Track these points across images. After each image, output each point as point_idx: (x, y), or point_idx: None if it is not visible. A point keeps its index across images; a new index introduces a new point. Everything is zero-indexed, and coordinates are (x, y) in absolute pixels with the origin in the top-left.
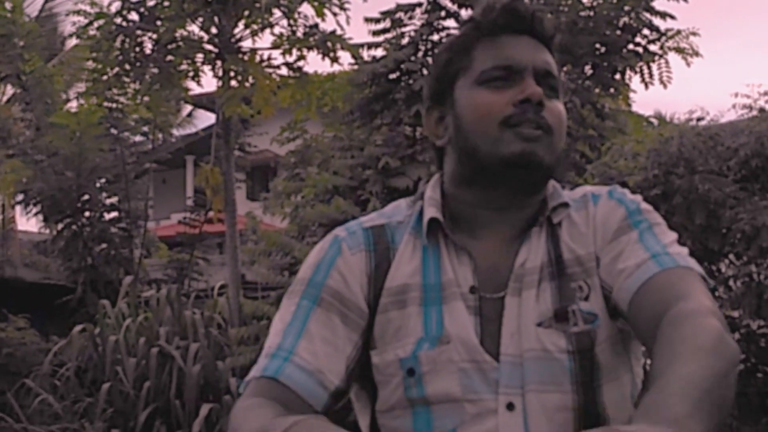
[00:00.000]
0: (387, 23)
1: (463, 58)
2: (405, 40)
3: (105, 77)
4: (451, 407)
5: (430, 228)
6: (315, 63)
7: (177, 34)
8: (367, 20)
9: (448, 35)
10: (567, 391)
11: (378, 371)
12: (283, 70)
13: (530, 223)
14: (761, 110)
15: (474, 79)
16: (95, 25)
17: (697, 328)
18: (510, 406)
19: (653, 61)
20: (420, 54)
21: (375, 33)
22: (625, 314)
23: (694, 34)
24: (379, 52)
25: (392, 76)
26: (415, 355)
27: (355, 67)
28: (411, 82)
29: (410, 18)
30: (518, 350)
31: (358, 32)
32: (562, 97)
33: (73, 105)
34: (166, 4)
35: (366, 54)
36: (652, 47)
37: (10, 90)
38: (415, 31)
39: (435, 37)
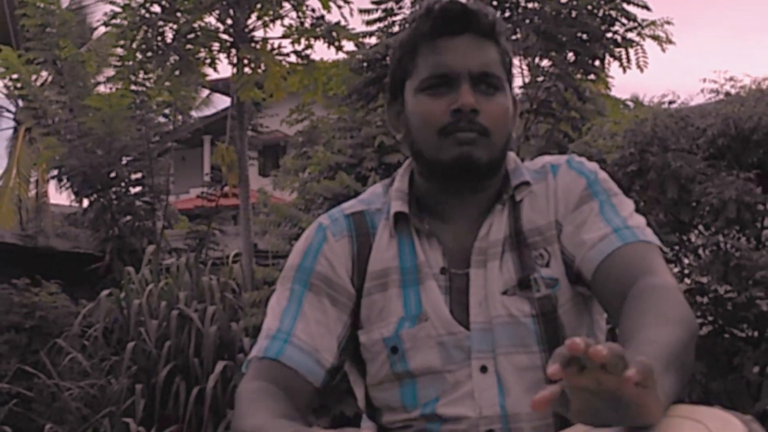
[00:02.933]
0: (379, 13)
1: (409, 61)
2: (395, 29)
3: (130, 63)
4: (433, 378)
5: (398, 219)
6: (321, 51)
7: (195, 25)
8: (362, 11)
9: None
10: (535, 352)
11: (365, 349)
12: (292, 58)
13: (494, 201)
14: (727, 94)
15: (416, 85)
16: (121, 15)
17: (663, 300)
18: (483, 369)
19: (631, 47)
20: None
21: (368, 22)
22: (589, 284)
23: (668, 23)
24: (374, 40)
25: (386, 60)
26: (398, 334)
27: (353, 52)
28: None
29: (400, 7)
30: (487, 317)
31: (353, 22)
32: (508, 88)
33: (101, 89)
34: None
35: (362, 41)
36: (630, 35)
37: (43, 74)
38: (404, 18)
39: None
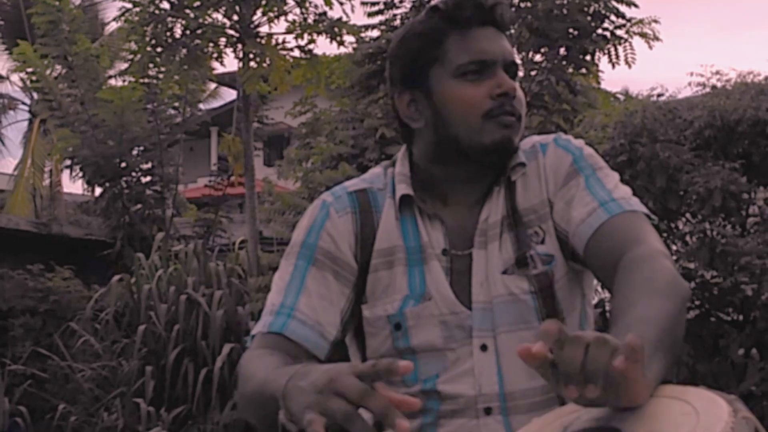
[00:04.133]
0: (381, 6)
1: (435, 48)
2: (397, 22)
3: (140, 57)
4: (434, 356)
5: (403, 201)
6: (324, 46)
7: (203, 21)
8: (363, 3)
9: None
10: (535, 328)
11: (368, 323)
12: (296, 52)
13: (492, 185)
14: (713, 87)
15: (450, 71)
16: (132, 12)
17: (651, 271)
18: (483, 348)
19: (619, 43)
20: None
21: (370, 15)
22: (582, 259)
23: (655, 21)
24: (376, 33)
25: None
26: (402, 312)
27: (354, 46)
28: None
29: (401, 1)
30: (488, 297)
31: (354, 17)
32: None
33: (113, 82)
34: None
35: (364, 34)
36: (619, 32)
37: (57, 68)
38: (405, 13)
39: None
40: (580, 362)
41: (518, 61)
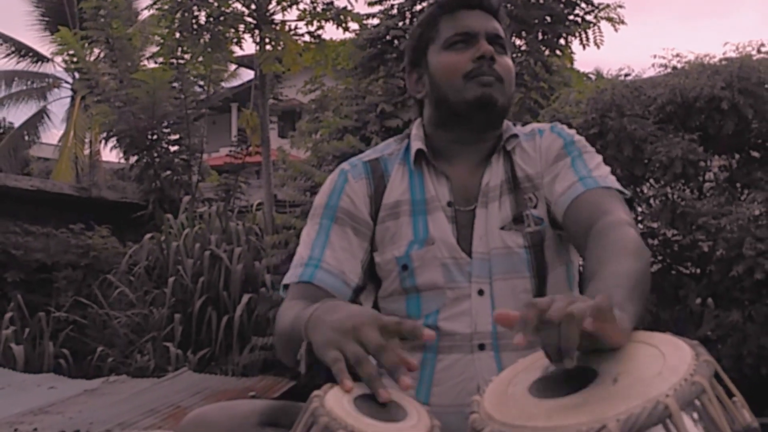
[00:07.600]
0: None
1: (431, 30)
2: (394, 11)
3: (169, 42)
4: (435, 293)
5: (416, 157)
6: (331, 32)
7: (224, 10)
8: None
9: (424, 9)
10: (526, 277)
11: (380, 268)
12: (306, 37)
13: (491, 152)
14: (674, 68)
15: (440, 45)
16: (163, 1)
17: (621, 236)
18: (480, 292)
19: (589, 27)
20: (406, 21)
21: (370, 4)
22: (561, 225)
23: (620, 6)
24: (376, 21)
25: (387, 38)
26: (408, 254)
27: (358, 31)
28: (399, 44)
29: None
30: (486, 248)
31: (357, 6)
32: (510, 54)
33: (145, 63)
34: None
35: (366, 22)
36: (588, 17)
37: (95, 51)
38: (401, 3)
39: (417, 8)
40: (555, 344)
41: (503, 36)
